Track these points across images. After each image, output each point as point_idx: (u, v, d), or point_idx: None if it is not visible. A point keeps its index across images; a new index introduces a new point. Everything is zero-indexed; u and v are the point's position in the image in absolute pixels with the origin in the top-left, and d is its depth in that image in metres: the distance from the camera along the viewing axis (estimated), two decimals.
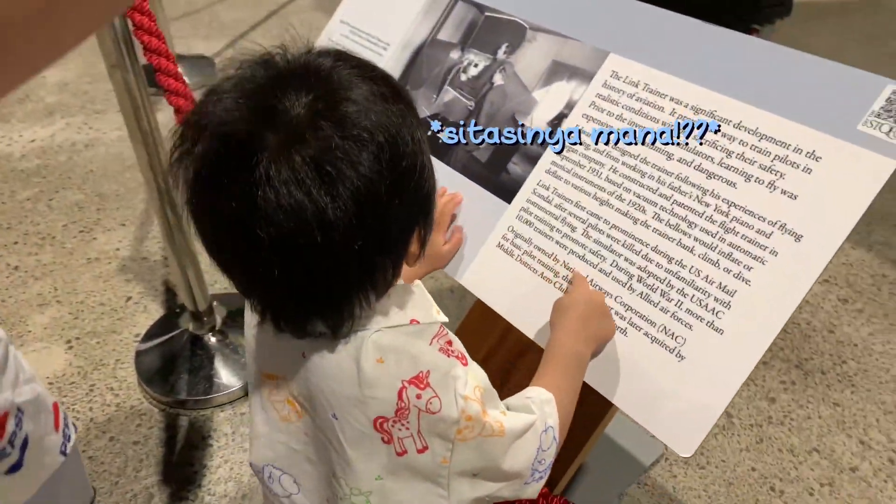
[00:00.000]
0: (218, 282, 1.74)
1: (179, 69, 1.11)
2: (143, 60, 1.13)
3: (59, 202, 2.03)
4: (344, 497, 0.60)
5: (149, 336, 1.55)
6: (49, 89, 2.63)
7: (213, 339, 1.51)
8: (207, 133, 0.48)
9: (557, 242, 0.80)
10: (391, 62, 1.03)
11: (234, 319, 1.56)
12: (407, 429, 0.55)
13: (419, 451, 0.56)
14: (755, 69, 0.72)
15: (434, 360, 0.56)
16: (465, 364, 0.58)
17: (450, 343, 0.59)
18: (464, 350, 0.60)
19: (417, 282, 0.63)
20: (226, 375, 1.45)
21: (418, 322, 0.58)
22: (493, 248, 0.85)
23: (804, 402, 1.46)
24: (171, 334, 1.53)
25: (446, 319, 0.61)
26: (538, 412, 0.63)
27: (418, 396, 0.54)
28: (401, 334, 0.57)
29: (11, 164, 2.20)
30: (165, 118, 1.77)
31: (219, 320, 1.53)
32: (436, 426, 0.55)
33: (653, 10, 0.82)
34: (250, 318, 0.65)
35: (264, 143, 0.46)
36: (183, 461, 1.33)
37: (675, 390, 0.68)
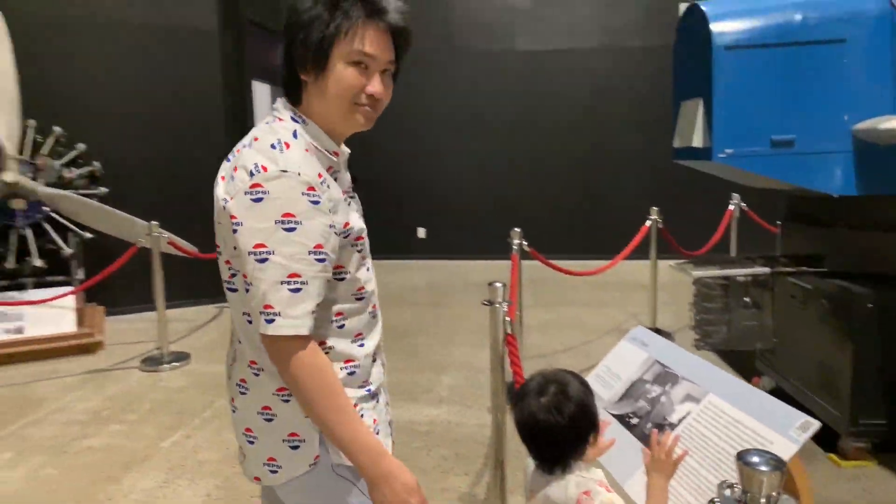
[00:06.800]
0: None
1: None
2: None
3: None
4: None
5: None
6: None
7: None
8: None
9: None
10: (618, 390, 2.08)
11: None
12: None
13: None
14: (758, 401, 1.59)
15: (595, 489, 1.48)
16: (609, 491, 1.49)
17: (601, 483, 1.51)
18: (606, 484, 1.52)
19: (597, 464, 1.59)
20: None
21: (583, 477, 1.54)
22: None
23: None
24: None
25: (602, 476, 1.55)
26: None
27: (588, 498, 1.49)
28: (589, 481, 1.51)
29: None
30: None
31: None
32: None
33: (718, 371, 1.76)
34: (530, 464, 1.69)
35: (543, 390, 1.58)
36: None
37: None
